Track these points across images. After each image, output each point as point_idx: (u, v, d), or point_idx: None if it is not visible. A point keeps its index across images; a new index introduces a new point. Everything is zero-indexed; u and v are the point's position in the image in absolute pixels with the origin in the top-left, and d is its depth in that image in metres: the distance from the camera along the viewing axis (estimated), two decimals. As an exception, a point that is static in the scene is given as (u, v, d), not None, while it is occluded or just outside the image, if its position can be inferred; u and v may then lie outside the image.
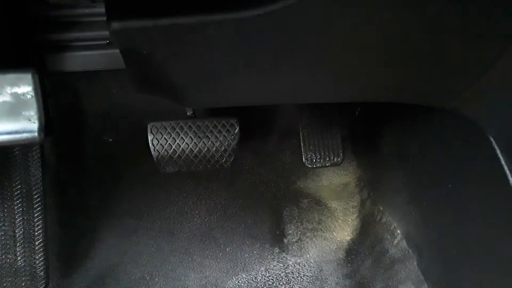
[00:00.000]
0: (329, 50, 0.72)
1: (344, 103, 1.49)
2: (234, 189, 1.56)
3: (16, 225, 1.27)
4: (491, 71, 0.72)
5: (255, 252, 1.51)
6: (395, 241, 1.34)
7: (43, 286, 1.29)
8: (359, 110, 1.54)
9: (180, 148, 1.27)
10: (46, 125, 0.91)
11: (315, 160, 1.47)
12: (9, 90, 0.88)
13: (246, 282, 1.47)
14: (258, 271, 1.48)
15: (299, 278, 1.47)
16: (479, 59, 0.72)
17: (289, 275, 1.47)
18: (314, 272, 1.47)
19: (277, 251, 1.51)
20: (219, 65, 0.77)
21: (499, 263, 0.89)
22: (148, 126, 1.28)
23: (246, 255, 1.50)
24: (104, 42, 1.13)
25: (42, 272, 1.28)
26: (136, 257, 1.48)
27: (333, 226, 1.54)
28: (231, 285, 1.46)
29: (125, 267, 1.47)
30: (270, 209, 1.56)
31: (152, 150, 1.28)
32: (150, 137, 1.27)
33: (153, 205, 1.52)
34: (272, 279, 1.47)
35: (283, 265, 1.49)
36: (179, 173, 1.35)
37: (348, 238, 1.53)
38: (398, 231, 1.33)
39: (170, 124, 1.28)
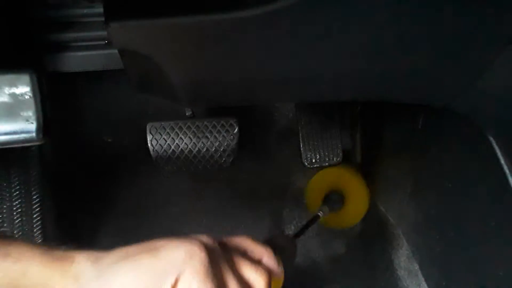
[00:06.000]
0: (329, 50, 0.72)
1: (344, 102, 1.49)
2: (234, 189, 1.55)
3: (15, 226, 1.27)
4: (490, 70, 0.72)
5: (255, 252, 1.50)
6: (395, 241, 1.34)
7: (42, 287, 1.28)
8: (359, 109, 1.54)
9: (179, 149, 1.27)
10: (45, 125, 0.91)
11: (315, 160, 1.46)
12: (7, 90, 0.88)
13: (246, 282, 1.46)
14: (258, 271, 1.48)
15: (299, 278, 1.46)
16: (478, 58, 0.71)
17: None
18: (315, 272, 1.47)
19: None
20: (218, 65, 0.77)
21: (499, 263, 0.89)
22: (147, 126, 1.27)
23: (246, 255, 1.49)
24: (103, 42, 1.12)
25: (42, 273, 1.28)
26: (136, 258, 1.47)
27: (333, 226, 1.54)
28: (231, 285, 1.46)
29: (125, 267, 1.46)
30: (270, 209, 1.56)
31: (151, 150, 1.27)
32: (149, 137, 1.27)
33: (153, 205, 1.51)
34: (272, 279, 1.47)
35: (283, 265, 1.49)
36: (178, 173, 1.35)
37: (348, 237, 1.53)
38: (398, 231, 1.33)
39: (169, 124, 1.27)
